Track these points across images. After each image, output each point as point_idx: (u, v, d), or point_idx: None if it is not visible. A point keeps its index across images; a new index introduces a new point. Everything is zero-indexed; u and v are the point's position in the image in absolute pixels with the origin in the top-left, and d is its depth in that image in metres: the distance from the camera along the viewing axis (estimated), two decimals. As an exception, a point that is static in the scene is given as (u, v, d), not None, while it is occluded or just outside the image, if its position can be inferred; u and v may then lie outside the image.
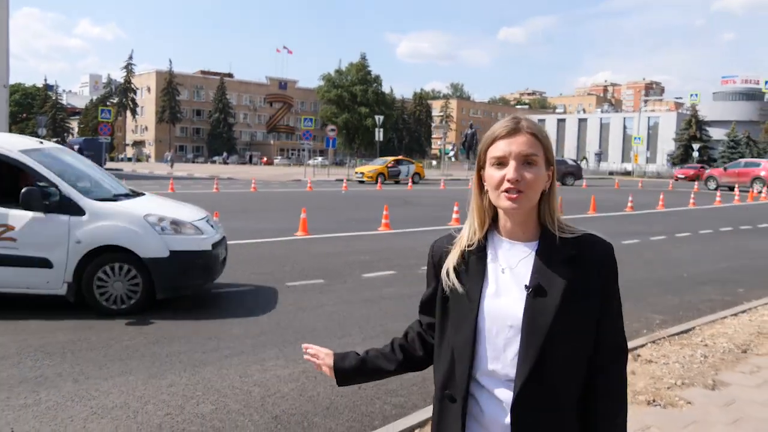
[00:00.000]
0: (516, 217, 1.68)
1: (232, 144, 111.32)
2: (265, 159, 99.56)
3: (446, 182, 41.35)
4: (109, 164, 58.64)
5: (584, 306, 1.63)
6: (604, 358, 1.68)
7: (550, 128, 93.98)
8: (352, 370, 1.95)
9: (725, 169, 41.50)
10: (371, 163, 45.06)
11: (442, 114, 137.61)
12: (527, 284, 1.64)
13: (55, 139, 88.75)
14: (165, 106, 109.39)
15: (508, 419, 1.62)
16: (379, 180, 38.86)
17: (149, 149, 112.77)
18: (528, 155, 1.63)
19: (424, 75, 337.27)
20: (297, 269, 10.29)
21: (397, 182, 41.10)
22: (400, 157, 46.78)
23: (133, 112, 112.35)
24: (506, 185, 1.62)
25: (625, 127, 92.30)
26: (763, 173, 38.08)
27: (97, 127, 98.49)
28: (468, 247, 1.73)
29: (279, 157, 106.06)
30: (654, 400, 4.85)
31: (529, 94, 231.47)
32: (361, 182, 39.88)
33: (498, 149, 1.65)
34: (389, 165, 41.59)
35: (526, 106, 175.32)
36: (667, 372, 5.48)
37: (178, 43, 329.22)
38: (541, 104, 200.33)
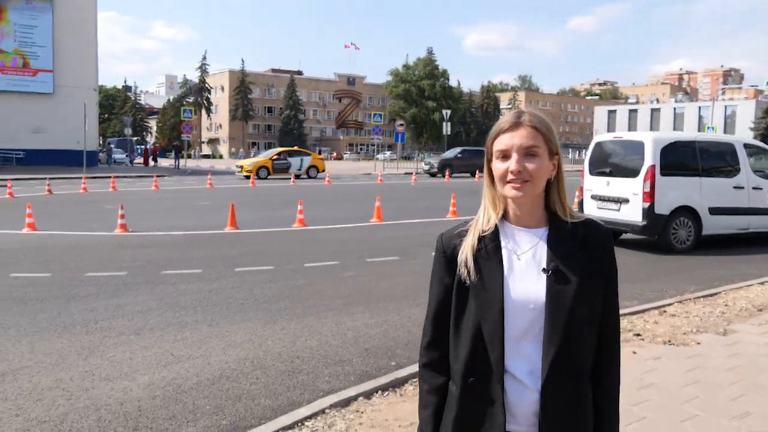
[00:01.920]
0: (523, 205, 1.76)
1: (303, 140, 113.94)
2: (335, 154, 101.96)
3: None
4: (188, 162, 61.34)
5: (596, 285, 1.73)
6: (606, 334, 1.78)
7: (621, 119, 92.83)
8: None
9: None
10: (261, 156, 39.34)
11: (510, 106, 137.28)
12: (545, 267, 1.71)
13: (135, 138, 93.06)
14: (238, 104, 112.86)
15: (533, 397, 1.69)
16: (260, 175, 34.42)
17: (223, 147, 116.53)
18: (529, 147, 1.71)
19: (491, 67, 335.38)
20: (375, 249, 11.68)
21: (299, 177, 35.74)
22: (294, 148, 42.90)
23: (208, 111, 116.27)
24: (510, 176, 1.71)
25: (700, 117, 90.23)
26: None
27: (175, 125, 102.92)
28: (483, 233, 1.79)
29: (348, 152, 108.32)
30: (669, 341, 6.00)
31: (600, 84, 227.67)
32: (247, 177, 33.88)
33: (501, 143, 1.74)
34: (274, 157, 36.63)
35: (597, 97, 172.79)
36: (686, 323, 6.60)
37: (249, 42, 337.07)
38: (613, 94, 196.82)
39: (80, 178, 29.99)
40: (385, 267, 10.09)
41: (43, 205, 17.77)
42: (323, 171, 37.94)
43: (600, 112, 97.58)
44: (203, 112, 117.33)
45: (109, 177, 30.50)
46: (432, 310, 1.86)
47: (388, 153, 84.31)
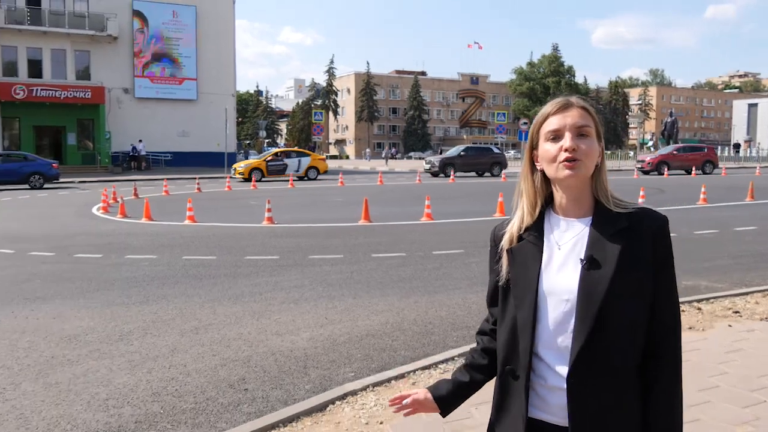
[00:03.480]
0: (572, 190, 1.74)
1: (426, 140, 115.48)
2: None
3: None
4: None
5: (637, 277, 1.67)
6: (659, 328, 1.72)
7: (764, 113, 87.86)
8: (450, 395, 1.96)
9: None
10: (254, 158, 38.46)
11: (640, 102, 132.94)
12: (582, 257, 1.70)
13: (267, 140, 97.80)
14: (363, 105, 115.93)
15: (564, 388, 1.68)
16: (253, 177, 31.88)
17: (349, 147, 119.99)
18: (581, 126, 1.71)
19: (621, 61, 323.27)
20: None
21: (302, 180, 34.44)
22: (294, 148, 39.58)
23: (335, 113, 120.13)
24: (564, 155, 1.69)
25: None
26: None
27: (304, 128, 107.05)
28: (521, 229, 1.80)
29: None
30: (767, 318, 6.58)
31: (740, 76, 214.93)
32: (248, 180, 32.49)
33: (552, 123, 1.74)
34: (269, 159, 34.96)
35: (736, 90, 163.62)
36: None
37: (374, 44, 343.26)
38: (754, 87, 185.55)
39: (224, 177, 32.58)
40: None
41: (195, 201, 19.82)
42: (325, 172, 36.21)
43: (739, 106, 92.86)
44: (330, 114, 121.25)
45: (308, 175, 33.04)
46: (488, 297, 1.94)
47: (512, 152, 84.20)
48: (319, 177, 35.72)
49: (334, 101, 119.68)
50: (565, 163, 1.69)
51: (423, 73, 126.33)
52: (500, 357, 1.82)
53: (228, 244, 12.30)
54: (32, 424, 4.49)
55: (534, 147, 1.80)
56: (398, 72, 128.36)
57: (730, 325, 6.24)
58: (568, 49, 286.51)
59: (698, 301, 7.18)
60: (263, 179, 33.01)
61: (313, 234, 13.71)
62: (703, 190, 19.95)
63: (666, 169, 37.51)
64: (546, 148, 1.74)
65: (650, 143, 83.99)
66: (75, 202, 22.06)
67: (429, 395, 1.96)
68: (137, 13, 46.06)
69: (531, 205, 1.80)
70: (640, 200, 18.26)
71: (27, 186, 28.25)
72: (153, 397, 4.94)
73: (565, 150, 1.69)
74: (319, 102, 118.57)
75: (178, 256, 10.89)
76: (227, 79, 49.28)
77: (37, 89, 41.54)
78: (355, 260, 10.42)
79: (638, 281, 1.67)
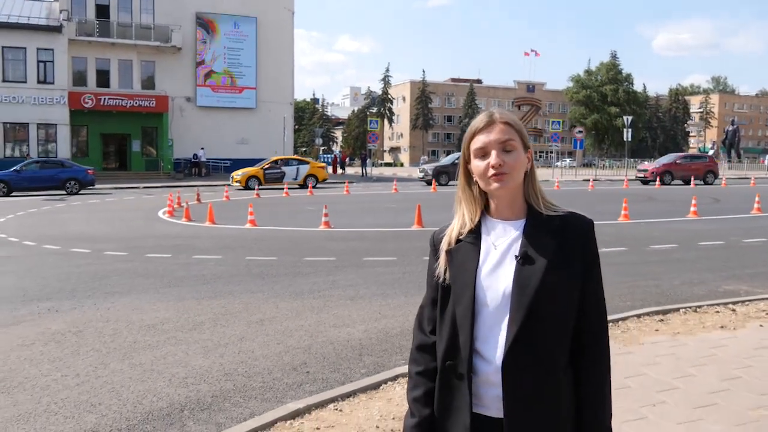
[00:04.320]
0: (504, 198, 1.85)
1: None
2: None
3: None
4: (373, 170, 64.80)
5: (568, 272, 1.78)
6: (587, 324, 1.82)
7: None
8: (426, 419, 1.91)
9: None
10: (252, 166, 36.72)
11: (701, 110, 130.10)
12: (517, 254, 1.79)
13: (322, 148, 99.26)
14: (418, 113, 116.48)
15: (498, 382, 1.75)
16: (250, 185, 32.30)
17: (404, 155, 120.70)
18: (505, 142, 1.81)
19: (682, 69, 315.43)
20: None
21: (305, 188, 33.29)
22: (292, 156, 38.82)
23: (390, 121, 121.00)
24: (491, 171, 1.79)
25: None
26: None
27: (359, 135, 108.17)
28: (460, 234, 1.89)
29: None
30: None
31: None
32: (248, 188, 32.86)
33: (479, 141, 1.84)
34: (266, 167, 34.56)
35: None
36: None
37: (430, 52, 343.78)
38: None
39: (282, 184, 33.52)
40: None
41: (255, 206, 20.64)
42: (324, 180, 35.61)
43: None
44: (385, 121, 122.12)
45: (306, 183, 33.79)
46: (427, 298, 2.00)
47: (567, 160, 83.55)
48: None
49: (390, 109, 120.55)
50: (494, 177, 1.80)
51: (479, 81, 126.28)
52: (440, 353, 1.88)
53: (287, 246, 13.00)
54: (123, 396, 5.15)
55: (467, 161, 1.90)
56: (454, 80, 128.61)
57: (761, 325, 6.55)
58: (628, 55, 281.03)
59: (734, 303, 7.48)
60: (261, 187, 31.79)
61: (368, 238, 14.31)
62: (757, 199, 19.86)
63: (670, 178, 37.23)
64: (476, 164, 1.85)
65: (711, 152, 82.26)
66: (141, 207, 23.18)
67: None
68: (200, 24, 47.67)
69: (470, 213, 1.91)
70: (692, 209, 18.36)
71: (63, 191, 29.41)
72: (225, 377, 5.56)
73: (492, 167, 1.80)
74: (374, 110, 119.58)
75: (241, 257, 11.60)
76: (285, 88, 50.52)
77: (104, 98, 43.42)
78: (407, 262, 10.94)
79: (568, 276, 1.78)
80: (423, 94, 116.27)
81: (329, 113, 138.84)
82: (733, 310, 7.13)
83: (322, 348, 6.34)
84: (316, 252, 12.08)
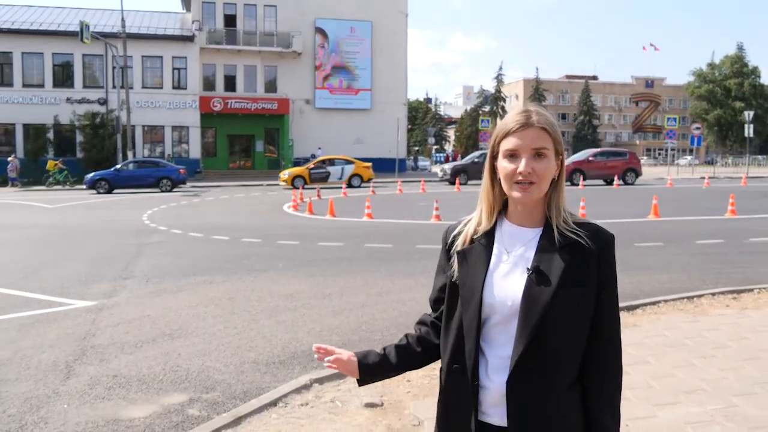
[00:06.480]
0: (525, 206, 1.80)
1: (596, 145, 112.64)
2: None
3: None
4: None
5: (581, 290, 1.72)
6: (597, 341, 1.78)
7: None
8: (375, 366, 1.99)
9: None
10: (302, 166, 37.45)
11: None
12: (529, 267, 1.74)
13: (435, 147, 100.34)
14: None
15: (502, 393, 1.73)
16: (296, 184, 32.29)
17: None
18: (538, 149, 1.74)
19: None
20: (643, 236, 13.56)
21: (350, 187, 33.63)
22: (340, 156, 37.53)
23: (503, 119, 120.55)
24: (518, 177, 1.73)
25: None
26: None
27: (471, 134, 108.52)
28: (476, 232, 1.85)
29: (645, 157, 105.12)
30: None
31: None
32: (295, 187, 31.91)
33: (510, 143, 1.77)
34: (311, 167, 35.11)
35: None
36: None
37: (545, 49, 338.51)
38: None
39: (396, 181, 35.08)
40: (651, 250, 12.05)
41: (371, 201, 22.18)
42: (369, 180, 35.23)
43: None
44: (498, 120, 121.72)
45: (419, 180, 35.18)
46: (432, 295, 2.01)
47: (688, 158, 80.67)
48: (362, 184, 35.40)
49: (502, 107, 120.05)
50: (519, 185, 1.74)
51: (594, 78, 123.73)
52: (447, 357, 1.85)
53: (401, 235, 14.32)
54: (273, 342, 6.56)
55: (494, 157, 1.84)
56: (568, 77, 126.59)
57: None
58: (757, 47, 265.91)
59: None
60: (305, 186, 31.96)
61: (475, 229, 15.38)
62: None
63: (581, 178, 32.18)
64: (503, 164, 1.78)
65: None
66: (267, 202, 25.26)
67: (354, 359, 2.00)
68: (319, 30, 50.04)
69: (489, 211, 1.86)
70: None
71: (158, 189, 31.64)
72: (352, 332, 6.88)
73: (520, 173, 1.74)
74: (486, 108, 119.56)
75: (360, 244, 13.00)
76: (399, 89, 52.13)
77: (231, 101, 46.58)
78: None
79: (581, 296, 1.73)
80: (536, 91, 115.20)
81: (442, 112, 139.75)
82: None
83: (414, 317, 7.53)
84: (428, 240, 13.28)
